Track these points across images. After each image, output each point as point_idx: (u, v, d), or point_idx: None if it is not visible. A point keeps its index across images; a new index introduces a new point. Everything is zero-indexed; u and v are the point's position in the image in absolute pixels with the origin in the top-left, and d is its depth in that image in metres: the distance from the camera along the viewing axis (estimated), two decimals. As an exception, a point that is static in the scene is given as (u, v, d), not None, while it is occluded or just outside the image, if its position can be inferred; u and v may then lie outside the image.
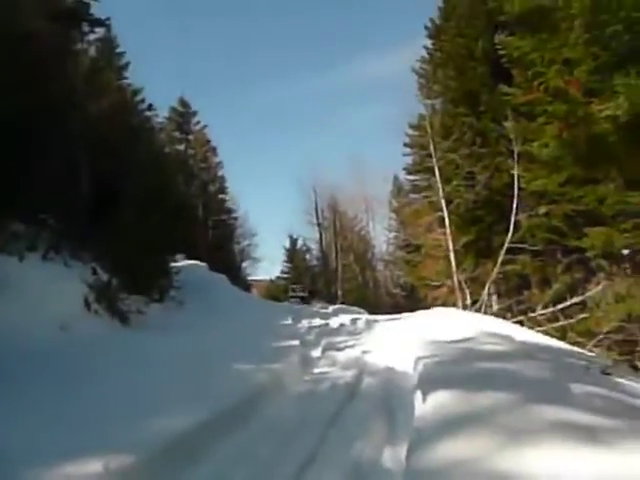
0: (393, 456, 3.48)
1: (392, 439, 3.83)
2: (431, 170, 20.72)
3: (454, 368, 4.88)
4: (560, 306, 13.87)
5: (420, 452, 2.81)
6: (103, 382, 4.71)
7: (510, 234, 15.49)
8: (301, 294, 31.79)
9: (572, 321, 13.10)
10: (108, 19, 14.33)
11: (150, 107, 24.36)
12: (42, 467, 2.73)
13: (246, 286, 33.19)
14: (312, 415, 4.41)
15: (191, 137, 35.48)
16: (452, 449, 2.69)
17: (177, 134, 34.76)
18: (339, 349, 8.19)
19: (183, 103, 35.40)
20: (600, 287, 12.63)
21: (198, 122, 35.82)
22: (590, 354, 8.67)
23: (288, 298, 30.02)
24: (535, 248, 15.64)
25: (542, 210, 14.89)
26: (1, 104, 7.87)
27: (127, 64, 22.86)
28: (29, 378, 4.61)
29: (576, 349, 8.51)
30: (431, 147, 20.31)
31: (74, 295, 7.92)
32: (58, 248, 9.01)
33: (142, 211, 11.32)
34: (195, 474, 3.17)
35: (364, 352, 7.82)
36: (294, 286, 34.25)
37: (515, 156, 14.83)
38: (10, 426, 3.31)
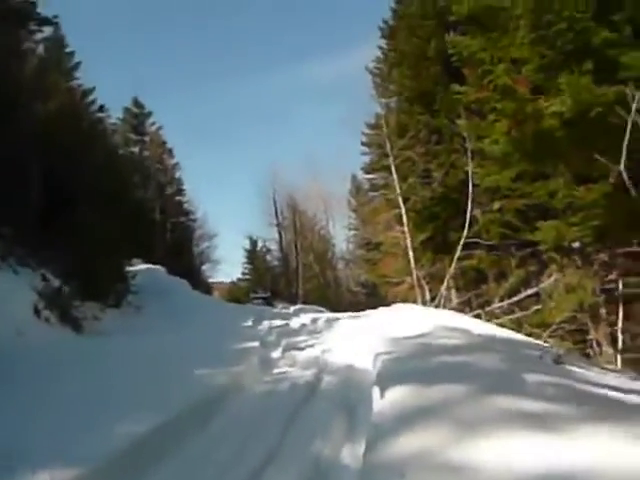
0: (352, 452, 3.49)
1: (351, 436, 3.84)
2: (388, 168, 20.92)
3: (412, 363, 4.94)
4: (515, 298, 14.21)
5: (378, 447, 2.83)
6: (53, 390, 4.55)
7: (466, 230, 15.77)
8: (263, 295, 31.59)
9: (527, 313, 13.44)
10: (56, 17, 13.90)
11: (102, 108, 23.74)
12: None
13: (207, 289, 32.78)
14: (271, 415, 4.38)
15: (146, 138, 34.72)
16: (409, 443, 2.72)
17: (132, 135, 33.97)
18: (299, 349, 8.16)
19: (137, 104, 34.59)
20: (552, 279, 13.01)
21: (153, 123, 35.10)
22: (544, 344, 8.92)
23: (251, 300, 29.57)
24: (490, 243, 15.98)
25: (496, 206, 15.22)
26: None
27: (77, 64, 22.27)
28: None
29: (531, 340, 8.75)
30: (387, 145, 20.51)
31: (23, 303, 7.65)
32: (7, 256, 8.69)
33: (96, 214, 11.04)
34: (150, 481, 3.10)
35: (324, 351, 7.82)
36: (256, 289, 34.16)
37: (469, 153, 15.12)
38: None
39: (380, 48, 22.36)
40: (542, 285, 13.44)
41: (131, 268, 14.79)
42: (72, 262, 9.97)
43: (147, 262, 19.41)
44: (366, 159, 25.80)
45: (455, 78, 14.88)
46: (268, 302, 28.21)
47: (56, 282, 9.07)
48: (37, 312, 7.73)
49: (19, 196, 9.88)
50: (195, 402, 4.43)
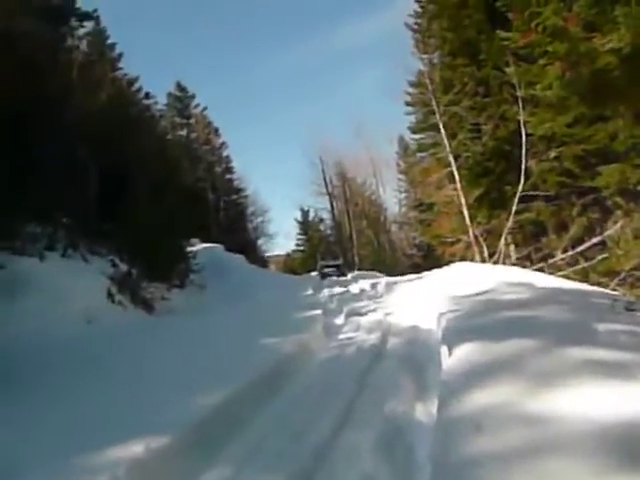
0: (425, 409, 3.54)
1: (422, 393, 3.90)
2: (436, 126, 20.41)
3: (477, 320, 4.90)
4: (579, 248, 13.76)
5: (451, 403, 2.85)
6: (138, 367, 4.86)
7: (522, 182, 15.28)
8: (335, 263, 25.11)
9: (593, 262, 13.00)
10: (95, 11, 14.27)
11: (147, 95, 24.28)
12: (91, 453, 2.84)
13: (263, 263, 33.37)
14: (341, 378, 4.48)
15: (192, 121, 35.33)
16: (482, 397, 2.73)
17: (178, 119, 34.61)
18: (361, 314, 8.25)
19: (180, 87, 35.12)
20: (618, 225, 12.49)
21: (197, 105, 35.67)
22: (613, 293, 8.63)
23: (320, 270, 23.08)
24: (548, 193, 15.44)
25: (552, 154, 14.65)
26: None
27: (120, 55, 22.68)
28: (65, 370, 4.76)
29: (599, 289, 8.47)
30: (433, 103, 19.96)
31: (97, 288, 8.06)
32: (75, 245, 9.15)
33: (152, 200, 11.39)
34: (232, 445, 3.27)
35: (387, 314, 7.88)
36: (325, 257, 28.36)
37: (520, 102, 14.54)
38: (53, 417, 3.46)
39: (418, 1, 21.60)
40: (608, 232, 12.92)
41: (191, 248, 15.24)
42: (134, 246, 10.36)
43: (205, 241, 19.96)
44: (412, 119, 25.20)
45: (500, 24, 14.23)
46: (341, 271, 22.77)
47: (124, 267, 9.49)
48: (111, 296, 8.13)
49: (77, 189, 10.30)
50: (266, 370, 4.59)
